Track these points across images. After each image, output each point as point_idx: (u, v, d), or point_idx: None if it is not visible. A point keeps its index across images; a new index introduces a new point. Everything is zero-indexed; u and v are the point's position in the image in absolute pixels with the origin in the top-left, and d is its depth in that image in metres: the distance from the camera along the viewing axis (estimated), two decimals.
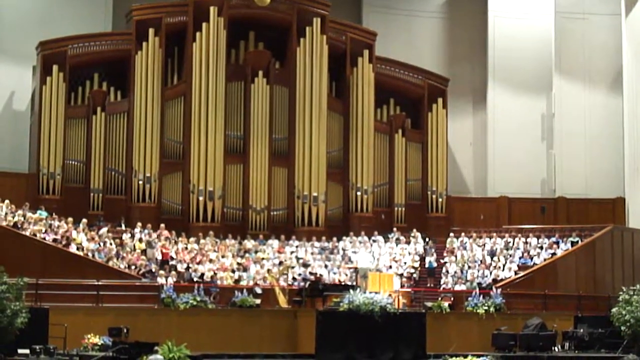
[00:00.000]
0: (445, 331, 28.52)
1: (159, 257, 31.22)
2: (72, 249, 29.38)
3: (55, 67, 34.58)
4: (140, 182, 35.03)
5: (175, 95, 36.33)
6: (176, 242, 32.65)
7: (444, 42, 41.52)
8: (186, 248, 32.32)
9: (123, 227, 33.21)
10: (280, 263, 32.40)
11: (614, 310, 28.36)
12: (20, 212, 30.17)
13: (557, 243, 34.57)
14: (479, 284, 31.96)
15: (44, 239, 29.14)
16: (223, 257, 32.25)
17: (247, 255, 32.94)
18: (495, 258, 34.02)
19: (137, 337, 24.46)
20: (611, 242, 34.60)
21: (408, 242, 35.61)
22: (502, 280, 32.19)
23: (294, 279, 31.58)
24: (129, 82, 35.79)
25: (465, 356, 24.31)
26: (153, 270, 30.11)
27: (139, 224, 32.98)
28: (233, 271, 31.54)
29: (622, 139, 39.12)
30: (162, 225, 33.30)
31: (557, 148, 40.36)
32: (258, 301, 28.47)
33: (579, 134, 40.68)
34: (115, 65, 36.07)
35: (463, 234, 36.03)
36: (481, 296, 29.51)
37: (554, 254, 33.97)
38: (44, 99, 34.44)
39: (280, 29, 37.72)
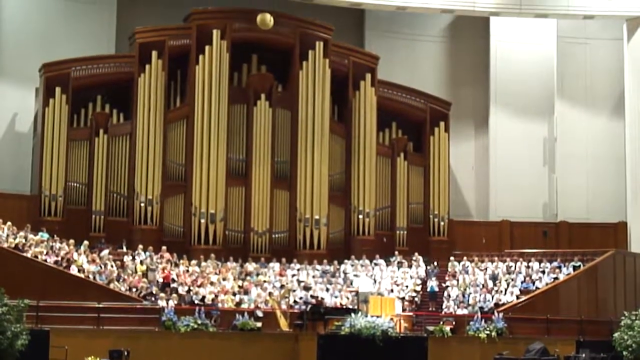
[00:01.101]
0: (447, 355, 28.46)
1: (160, 280, 31.15)
2: (73, 271, 29.29)
3: (58, 89, 34.63)
4: (142, 205, 35.01)
5: (178, 118, 36.36)
6: (177, 265, 32.59)
7: (446, 66, 41.61)
8: (187, 271, 32.24)
9: (124, 250, 33.17)
10: (282, 286, 32.32)
11: (616, 335, 28.32)
12: (21, 233, 30.13)
13: (559, 267, 34.49)
14: (481, 308, 31.83)
15: (45, 260, 29.05)
16: (224, 280, 32.17)
17: (248, 278, 32.87)
18: (497, 282, 33.94)
19: None
20: (613, 266, 34.52)
21: (410, 266, 35.53)
22: (504, 304, 32.05)
23: (295, 302, 31.46)
24: (131, 105, 35.81)
25: None
26: (154, 292, 30.03)
27: (141, 246, 32.92)
28: (234, 294, 31.43)
29: (624, 163, 39.08)
30: (164, 247, 33.27)
31: (559, 172, 40.38)
32: (259, 324, 28.41)
33: (581, 158, 40.71)
34: (118, 87, 36.11)
35: (465, 257, 35.95)
36: (483, 320, 29.43)
37: (556, 278, 33.87)
38: (46, 120, 34.48)
39: (283, 53, 37.79)
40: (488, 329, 29.03)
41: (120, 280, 30.17)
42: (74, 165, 35.00)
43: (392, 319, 28.51)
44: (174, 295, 30.04)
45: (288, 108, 37.42)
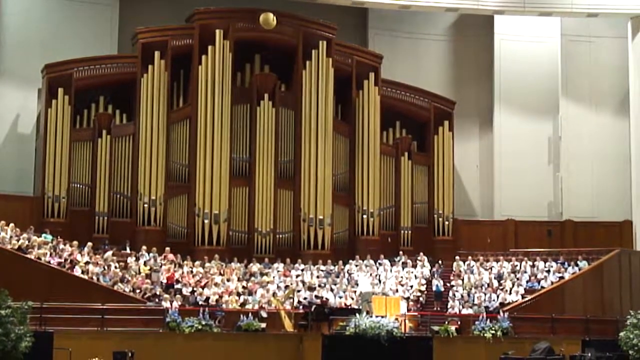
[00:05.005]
0: (452, 355, 28.39)
1: (164, 281, 31.07)
2: (77, 272, 29.24)
3: (60, 90, 34.53)
4: (146, 205, 34.94)
5: (181, 118, 36.28)
6: (181, 266, 32.51)
7: (450, 65, 41.50)
8: (191, 271, 32.18)
9: (128, 251, 33.11)
10: (286, 287, 32.24)
11: (621, 334, 28.23)
12: (25, 235, 30.06)
13: (564, 266, 34.40)
14: (486, 307, 31.77)
15: (49, 262, 29.00)
16: (228, 280, 32.10)
17: (252, 278, 32.79)
18: (502, 281, 33.87)
19: None
20: (619, 265, 34.47)
21: (414, 266, 35.45)
22: (509, 304, 32.02)
23: (299, 302, 31.40)
24: (134, 105, 35.74)
25: None
26: (158, 293, 29.96)
27: (144, 247, 32.88)
28: (238, 295, 31.37)
29: (629, 162, 38.95)
30: (167, 248, 33.22)
31: (564, 171, 40.23)
32: (263, 325, 28.33)
33: (586, 157, 40.55)
34: (121, 88, 36.02)
35: (470, 257, 35.88)
36: (488, 320, 29.35)
37: (561, 277, 33.82)
38: (49, 122, 34.38)
39: (286, 52, 37.70)
40: (493, 328, 28.95)
41: (124, 281, 30.10)
42: (77, 166, 34.90)
43: (397, 319, 28.45)
44: (178, 296, 29.96)
45: (291, 108, 37.32)
